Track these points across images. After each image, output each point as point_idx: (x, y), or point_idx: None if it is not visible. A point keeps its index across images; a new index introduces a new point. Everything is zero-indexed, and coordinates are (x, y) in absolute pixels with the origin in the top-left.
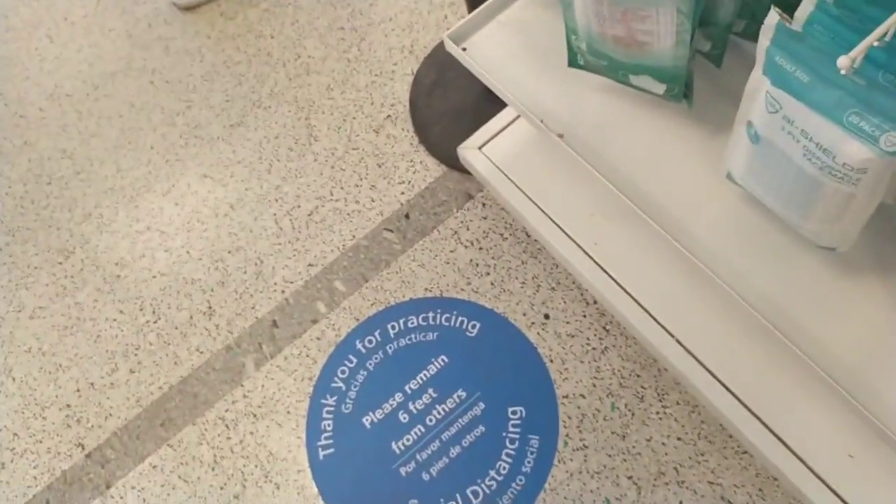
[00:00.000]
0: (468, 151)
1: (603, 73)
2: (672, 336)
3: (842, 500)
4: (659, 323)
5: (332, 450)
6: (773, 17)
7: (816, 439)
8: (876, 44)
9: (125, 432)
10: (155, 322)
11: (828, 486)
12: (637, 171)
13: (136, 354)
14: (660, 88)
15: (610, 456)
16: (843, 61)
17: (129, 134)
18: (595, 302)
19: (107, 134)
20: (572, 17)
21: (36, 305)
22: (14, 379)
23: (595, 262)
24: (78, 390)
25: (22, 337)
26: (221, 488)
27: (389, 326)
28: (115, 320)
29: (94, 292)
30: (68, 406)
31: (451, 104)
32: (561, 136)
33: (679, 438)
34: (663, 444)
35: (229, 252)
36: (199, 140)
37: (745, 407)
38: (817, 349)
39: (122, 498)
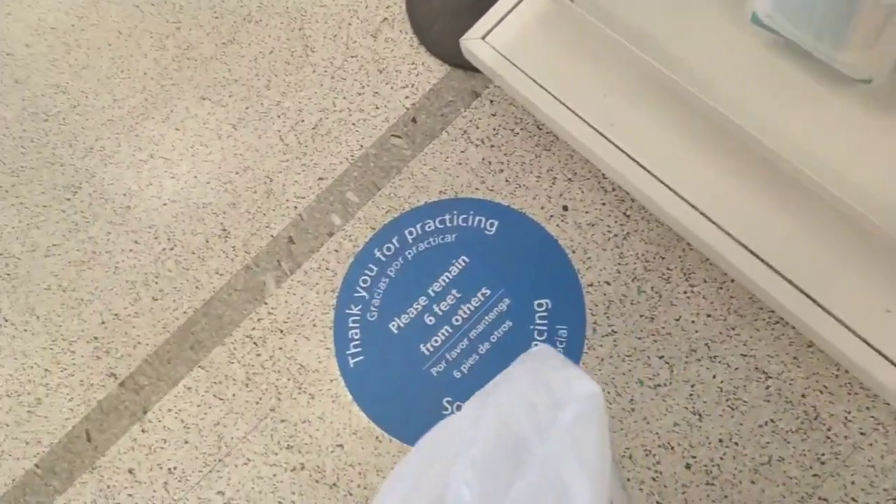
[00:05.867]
0: (471, 42)
1: None
2: (697, 210)
3: (882, 354)
4: (683, 198)
5: (361, 357)
6: None
7: (852, 298)
8: None
9: (156, 358)
10: (171, 249)
11: (866, 342)
12: (654, 28)
13: (156, 282)
14: None
15: (640, 338)
16: None
17: (120, 62)
18: (614, 189)
19: (98, 64)
20: None
21: (49, 244)
22: (38, 317)
23: (612, 142)
24: (103, 322)
25: (39, 275)
26: (257, 402)
27: (406, 232)
28: (130, 251)
29: (105, 225)
30: (95, 339)
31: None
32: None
33: (709, 315)
34: (693, 322)
35: (237, 173)
36: (193, 61)
37: (778, 273)
38: (853, 192)
39: (160, 421)
